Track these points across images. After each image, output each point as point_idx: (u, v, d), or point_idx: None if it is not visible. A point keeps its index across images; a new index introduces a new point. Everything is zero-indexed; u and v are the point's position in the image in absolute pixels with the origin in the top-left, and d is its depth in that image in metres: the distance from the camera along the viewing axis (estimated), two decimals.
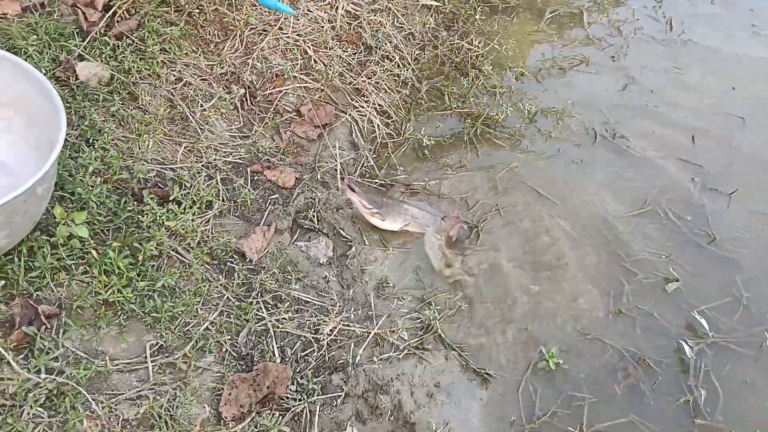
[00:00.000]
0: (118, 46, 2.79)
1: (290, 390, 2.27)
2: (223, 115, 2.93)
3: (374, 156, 3.16)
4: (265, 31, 3.22)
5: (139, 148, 2.63)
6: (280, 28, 3.26)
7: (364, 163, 3.11)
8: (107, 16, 2.86)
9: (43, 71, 2.54)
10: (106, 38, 2.79)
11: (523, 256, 2.92)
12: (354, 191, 2.85)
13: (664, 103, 3.67)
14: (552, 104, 3.55)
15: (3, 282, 2.10)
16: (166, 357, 2.18)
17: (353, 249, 2.77)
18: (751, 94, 3.78)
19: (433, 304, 2.67)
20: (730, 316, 2.80)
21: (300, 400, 2.26)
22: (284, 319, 2.42)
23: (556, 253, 2.95)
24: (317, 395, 2.29)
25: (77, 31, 2.77)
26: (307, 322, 2.46)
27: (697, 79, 3.83)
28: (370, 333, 2.51)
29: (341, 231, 2.81)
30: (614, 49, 3.92)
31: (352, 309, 2.59)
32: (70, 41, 2.72)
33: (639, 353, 2.64)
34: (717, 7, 4.35)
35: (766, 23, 4.26)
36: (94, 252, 2.23)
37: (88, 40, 2.76)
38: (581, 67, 3.80)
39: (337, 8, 3.51)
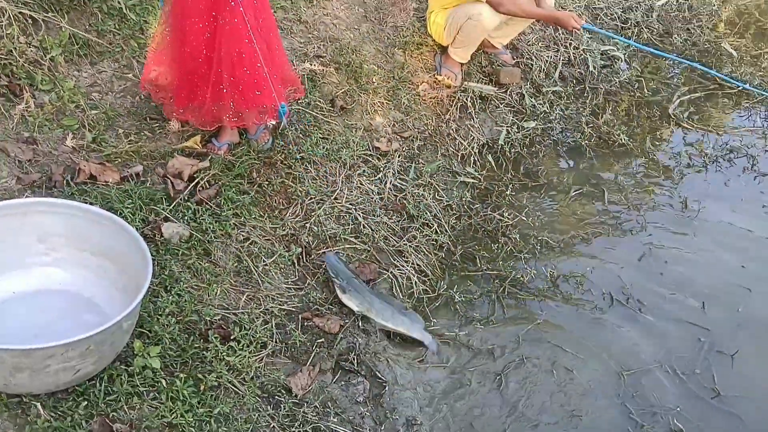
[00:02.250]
0: (198, 210, 3.18)
1: None
2: (282, 270, 3.25)
3: (411, 308, 3.43)
4: (322, 200, 3.60)
5: (208, 296, 2.95)
6: (336, 198, 3.64)
7: None
8: (191, 185, 3.28)
9: (134, 228, 2.92)
10: (189, 203, 3.19)
11: (542, 405, 3.11)
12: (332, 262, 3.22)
13: (677, 274, 3.85)
14: (573, 270, 3.80)
15: (85, 403, 2.38)
16: None
17: (387, 389, 2.98)
18: (759, 268, 3.94)
19: None
20: None
21: None
22: None
23: (572, 404, 3.14)
24: None
25: (165, 197, 3.18)
26: None
27: (708, 254, 4.01)
28: None
29: (378, 373, 3.03)
30: (632, 224, 4.16)
31: None
32: (158, 205, 3.12)
33: None
34: (731, 190, 4.58)
35: None
36: (163, 381, 2.51)
37: (173, 204, 3.16)
38: (601, 239, 4.05)
39: (386, 183, 3.90)
